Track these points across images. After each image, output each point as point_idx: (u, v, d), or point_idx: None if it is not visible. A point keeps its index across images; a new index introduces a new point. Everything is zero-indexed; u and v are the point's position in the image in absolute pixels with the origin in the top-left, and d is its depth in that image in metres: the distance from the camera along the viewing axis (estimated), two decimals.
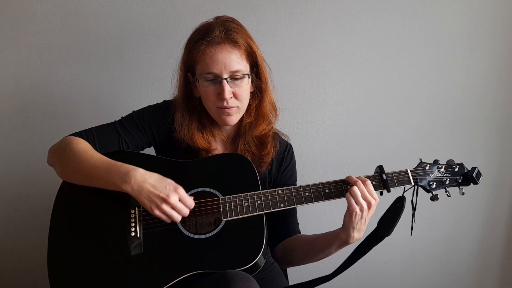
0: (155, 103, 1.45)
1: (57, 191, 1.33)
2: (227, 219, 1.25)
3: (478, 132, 1.93)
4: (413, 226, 1.34)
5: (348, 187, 1.26)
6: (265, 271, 1.39)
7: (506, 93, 1.88)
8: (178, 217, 1.21)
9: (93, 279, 1.22)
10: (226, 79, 1.28)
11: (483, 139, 1.94)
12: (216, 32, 1.29)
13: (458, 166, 1.30)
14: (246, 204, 1.26)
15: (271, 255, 1.48)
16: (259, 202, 1.26)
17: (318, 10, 1.76)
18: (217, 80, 1.29)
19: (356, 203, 1.23)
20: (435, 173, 1.30)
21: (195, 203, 1.26)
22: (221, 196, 1.27)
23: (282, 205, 1.27)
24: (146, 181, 1.20)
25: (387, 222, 1.29)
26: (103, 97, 1.80)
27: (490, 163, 1.95)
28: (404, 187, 1.30)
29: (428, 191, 1.29)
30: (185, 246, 1.23)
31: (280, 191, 1.28)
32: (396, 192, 1.29)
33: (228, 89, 1.28)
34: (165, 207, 1.19)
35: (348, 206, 1.24)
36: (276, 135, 1.48)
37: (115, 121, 1.41)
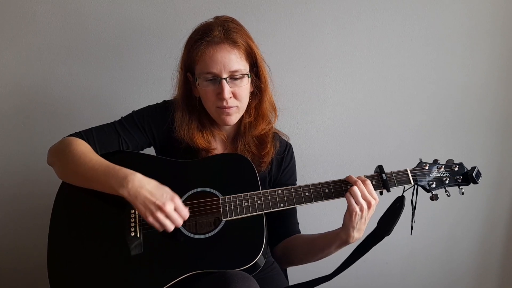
0: (155, 103, 1.45)
1: (57, 191, 1.33)
2: (227, 219, 1.25)
3: (478, 132, 1.93)
4: (413, 225, 1.34)
5: (348, 187, 1.26)
6: (265, 271, 1.39)
7: (506, 93, 1.88)
8: (170, 227, 1.19)
9: (93, 279, 1.22)
10: (225, 79, 1.28)
11: (483, 139, 1.94)
12: (216, 32, 1.29)
13: (457, 166, 1.30)
14: (246, 204, 1.26)
15: (271, 255, 1.48)
16: (259, 202, 1.26)
17: (318, 10, 1.76)
18: (217, 80, 1.29)
19: (356, 203, 1.23)
20: (434, 173, 1.30)
21: (195, 203, 1.26)
22: (221, 196, 1.27)
23: (282, 205, 1.27)
24: (144, 187, 1.19)
25: (387, 222, 1.29)
26: (103, 97, 1.80)
27: (490, 163, 1.95)
28: (404, 187, 1.30)
29: (428, 190, 1.29)
30: (185, 246, 1.23)
31: (280, 191, 1.28)
32: (396, 191, 1.29)
33: (227, 89, 1.28)
34: (160, 215, 1.17)
35: (348, 206, 1.24)
36: (276, 135, 1.48)
37: (115, 121, 1.41)
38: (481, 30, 1.81)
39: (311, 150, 1.90)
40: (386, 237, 1.29)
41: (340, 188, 1.28)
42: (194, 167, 1.33)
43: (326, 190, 1.28)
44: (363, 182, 1.25)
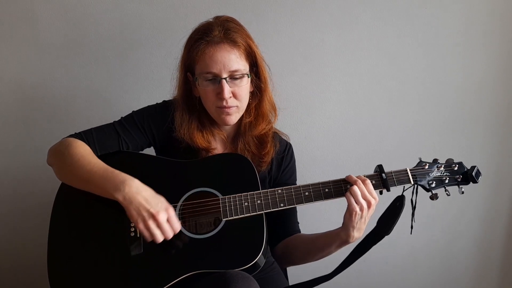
0: (155, 103, 1.45)
1: (57, 190, 1.34)
2: (227, 219, 1.25)
3: (477, 131, 1.93)
4: (412, 225, 1.34)
5: (348, 186, 1.26)
6: (265, 271, 1.39)
7: (505, 92, 1.88)
8: (160, 238, 1.17)
9: (93, 279, 1.22)
10: (225, 78, 1.28)
11: (482, 138, 1.94)
12: (216, 31, 1.29)
13: (457, 165, 1.30)
14: (246, 203, 1.26)
15: (271, 254, 1.48)
16: (259, 201, 1.26)
17: (318, 10, 1.76)
18: (217, 79, 1.29)
19: (356, 203, 1.23)
20: (434, 172, 1.30)
21: (195, 203, 1.26)
22: (221, 196, 1.27)
23: (282, 205, 1.27)
24: (140, 193, 1.18)
25: (386, 221, 1.29)
26: (103, 97, 1.80)
27: (489, 162, 1.95)
28: (404, 186, 1.30)
29: (427, 190, 1.29)
30: (185, 246, 1.23)
31: (280, 191, 1.28)
32: (395, 191, 1.29)
33: (227, 89, 1.28)
34: (151, 223, 1.16)
35: (348, 205, 1.24)
36: (276, 135, 1.49)
37: (114, 121, 1.41)
38: (481, 30, 1.81)
39: (311, 150, 1.90)
40: (386, 237, 1.29)
41: (340, 187, 1.28)
42: (194, 167, 1.33)
43: (326, 190, 1.28)
44: (363, 181, 1.25)
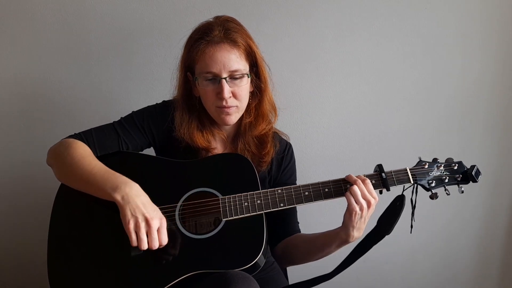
0: (154, 103, 1.45)
1: (57, 190, 1.34)
2: (227, 219, 1.25)
3: (477, 131, 1.93)
4: (412, 224, 1.34)
5: (348, 186, 1.26)
6: (265, 271, 1.39)
7: (504, 92, 1.88)
8: (144, 245, 1.16)
9: (93, 279, 1.22)
10: (225, 78, 1.28)
11: (481, 138, 1.93)
12: (216, 31, 1.29)
13: (457, 165, 1.30)
14: (246, 204, 1.26)
15: (271, 254, 1.48)
16: (258, 201, 1.26)
17: (318, 10, 1.76)
18: (216, 79, 1.29)
19: (356, 202, 1.23)
20: (434, 172, 1.30)
21: (195, 203, 1.26)
22: (220, 196, 1.27)
23: (281, 205, 1.27)
24: (139, 197, 1.19)
25: (387, 221, 1.29)
26: (103, 97, 1.80)
27: (489, 161, 1.95)
28: (404, 186, 1.30)
29: (427, 189, 1.29)
30: (185, 246, 1.23)
31: (279, 191, 1.28)
32: (395, 191, 1.29)
33: (227, 89, 1.28)
34: (143, 226, 1.15)
35: (348, 205, 1.24)
36: (276, 135, 1.49)
37: (114, 121, 1.41)
38: (480, 30, 1.81)
39: (311, 150, 1.90)
40: (386, 236, 1.29)
41: (340, 187, 1.28)
42: (194, 167, 1.33)
43: (326, 190, 1.28)
44: (363, 181, 1.25)
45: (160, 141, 1.42)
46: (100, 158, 1.30)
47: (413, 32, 1.80)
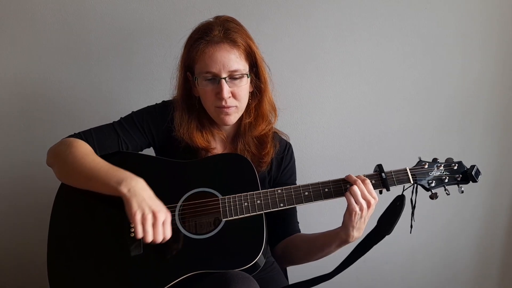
0: (154, 103, 1.45)
1: (57, 190, 1.33)
2: (226, 219, 1.25)
3: (476, 131, 1.93)
4: (412, 224, 1.34)
5: (348, 186, 1.26)
6: (265, 271, 1.39)
7: (504, 92, 1.88)
8: (150, 237, 1.15)
9: (93, 279, 1.22)
10: (224, 78, 1.28)
11: (481, 138, 1.94)
12: (215, 31, 1.29)
13: (457, 165, 1.30)
14: (246, 204, 1.26)
15: (271, 254, 1.48)
16: (258, 202, 1.26)
17: (318, 10, 1.76)
18: (216, 79, 1.29)
19: (355, 203, 1.23)
20: (434, 172, 1.30)
21: (195, 204, 1.26)
22: (220, 196, 1.27)
23: (281, 205, 1.27)
24: (146, 190, 1.19)
25: (387, 221, 1.29)
26: (103, 97, 1.80)
27: (489, 161, 1.95)
28: (404, 186, 1.30)
29: (427, 189, 1.29)
30: (185, 246, 1.23)
31: (279, 191, 1.28)
32: (395, 191, 1.29)
33: (226, 89, 1.28)
34: (149, 218, 1.15)
35: (347, 205, 1.24)
36: (276, 135, 1.48)
37: (114, 121, 1.41)
38: (480, 30, 1.81)
39: (311, 150, 1.90)
40: (386, 236, 1.29)
41: (339, 187, 1.28)
42: (193, 167, 1.33)
43: (326, 190, 1.28)
44: (363, 181, 1.25)
45: (160, 141, 1.42)
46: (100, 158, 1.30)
47: (413, 32, 1.79)
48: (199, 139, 1.38)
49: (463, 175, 1.29)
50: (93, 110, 1.80)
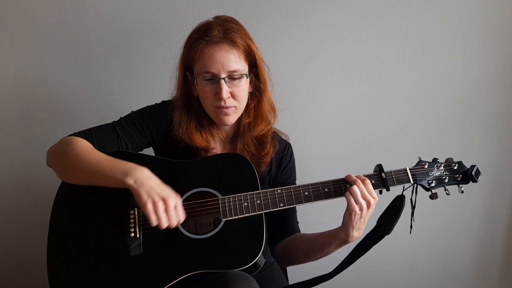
0: (154, 103, 1.45)
1: (57, 190, 1.33)
2: (226, 219, 1.25)
3: (476, 131, 1.93)
4: (412, 224, 1.34)
5: (348, 186, 1.26)
6: (265, 271, 1.39)
7: (504, 92, 1.88)
8: (165, 223, 1.16)
9: (93, 279, 1.22)
10: (224, 78, 1.28)
11: (481, 138, 1.93)
12: (215, 31, 1.28)
13: (457, 165, 1.30)
14: (246, 204, 1.26)
15: (271, 254, 1.48)
16: (258, 201, 1.26)
17: (318, 9, 1.76)
18: (215, 79, 1.29)
19: (355, 203, 1.23)
20: (434, 172, 1.30)
21: (195, 204, 1.26)
22: (220, 196, 1.27)
23: (281, 205, 1.27)
24: (151, 179, 1.19)
25: (387, 221, 1.29)
26: (102, 97, 1.80)
27: (489, 161, 1.95)
28: (404, 186, 1.30)
29: (427, 189, 1.29)
30: (184, 246, 1.23)
31: (279, 191, 1.28)
32: (395, 191, 1.29)
33: (225, 89, 1.28)
34: (161, 206, 1.16)
35: (347, 205, 1.24)
36: (276, 135, 1.48)
37: (113, 121, 1.41)
38: (480, 30, 1.80)
39: (311, 150, 1.90)
40: (386, 236, 1.29)
41: (339, 187, 1.28)
42: (193, 167, 1.33)
43: (326, 190, 1.28)
44: (363, 181, 1.25)
45: (160, 141, 1.42)
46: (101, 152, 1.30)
47: (413, 32, 1.79)
48: (198, 139, 1.38)
49: (463, 175, 1.29)
50: (93, 110, 1.80)
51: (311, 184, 1.28)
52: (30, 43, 1.75)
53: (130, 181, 1.18)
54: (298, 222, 1.51)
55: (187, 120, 1.38)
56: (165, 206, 1.16)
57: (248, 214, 1.25)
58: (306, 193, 1.28)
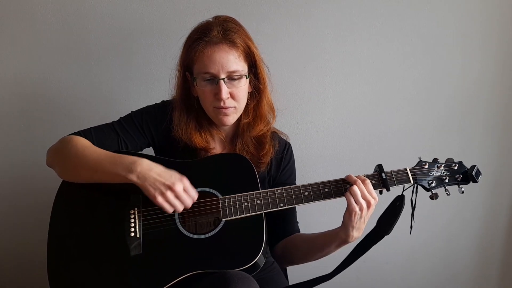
0: (153, 103, 1.45)
1: (57, 190, 1.33)
2: (226, 219, 1.25)
3: (477, 131, 1.93)
4: (412, 225, 1.34)
5: (348, 186, 1.26)
6: (265, 271, 1.39)
7: (504, 92, 1.88)
8: (180, 207, 1.20)
9: (93, 279, 1.22)
10: (223, 79, 1.28)
11: (481, 138, 1.93)
12: (214, 32, 1.28)
13: (457, 165, 1.30)
14: (246, 204, 1.26)
15: (271, 254, 1.48)
16: (258, 201, 1.26)
17: (318, 9, 1.76)
18: (215, 80, 1.29)
19: (355, 203, 1.22)
20: (434, 172, 1.30)
21: (195, 204, 1.26)
22: (220, 196, 1.27)
23: (281, 205, 1.27)
24: (152, 169, 1.20)
25: (386, 221, 1.29)
26: (102, 97, 1.80)
27: (489, 161, 1.95)
28: (404, 186, 1.30)
29: (427, 189, 1.29)
30: (184, 246, 1.23)
31: (279, 191, 1.28)
32: (395, 191, 1.29)
33: (225, 90, 1.28)
34: (170, 195, 1.18)
35: (347, 205, 1.24)
36: (275, 135, 1.48)
37: (113, 121, 1.41)
38: (480, 30, 1.80)
39: (311, 150, 1.90)
40: (386, 236, 1.29)
41: (339, 187, 1.28)
42: (193, 167, 1.33)
43: (326, 190, 1.28)
44: (363, 181, 1.24)
45: (159, 141, 1.42)
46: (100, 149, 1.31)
47: (413, 32, 1.79)
48: (198, 139, 1.38)
49: (464, 175, 1.29)
50: (93, 110, 1.80)
51: (311, 184, 1.28)
52: (30, 43, 1.75)
53: (134, 177, 1.19)
54: (298, 222, 1.51)
55: (186, 120, 1.38)
56: (174, 193, 1.18)
57: (248, 214, 1.25)
58: (306, 193, 1.28)
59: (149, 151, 1.47)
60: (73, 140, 1.31)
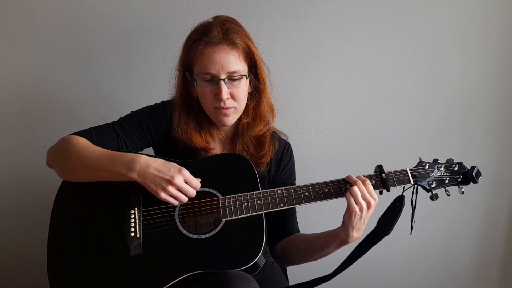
0: (153, 103, 1.45)
1: (57, 190, 1.33)
2: (226, 219, 1.25)
3: (477, 131, 1.93)
4: (412, 225, 1.34)
5: (348, 186, 1.26)
6: (265, 271, 1.39)
7: (504, 92, 1.88)
8: (184, 198, 1.22)
9: (93, 279, 1.22)
10: (223, 79, 1.27)
11: (482, 138, 1.93)
12: (215, 32, 1.28)
13: (457, 165, 1.29)
14: (246, 204, 1.26)
15: (270, 254, 1.48)
16: (258, 202, 1.26)
17: (318, 9, 1.76)
18: (215, 80, 1.29)
19: (355, 203, 1.22)
20: (434, 172, 1.30)
21: (195, 204, 1.26)
22: (220, 196, 1.27)
23: (281, 205, 1.27)
24: (151, 166, 1.21)
25: (386, 222, 1.29)
26: (102, 97, 1.80)
27: (489, 162, 1.95)
28: (404, 187, 1.30)
29: (427, 190, 1.29)
30: (184, 246, 1.23)
31: (279, 191, 1.28)
32: (395, 191, 1.29)
33: (225, 90, 1.28)
34: (171, 189, 1.19)
35: (347, 205, 1.24)
36: (275, 135, 1.48)
37: (113, 121, 1.41)
38: (480, 30, 1.80)
39: (311, 150, 1.90)
40: (386, 237, 1.29)
41: (340, 188, 1.28)
42: (193, 168, 1.32)
43: (326, 190, 1.28)
44: (363, 182, 1.24)
45: (159, 141, 1.42)
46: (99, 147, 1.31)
47: (413, 32, 1.79)
48: (198, 140, 1.38)
49: (464, 176, 1.29)
50: (93, 110, 1.80)
51: (311, 185, 1.28)
52: (30, 43, 1.75)
53: (134, 175, 1.21)
54: (298, 222, 1.51)
55: (186, 120, 1.38)
56: (175, 186, 1.20)
57: (248, 214, 1.25)
58: (306, 194, 1.28)
59: (149, 151, 1.47)
60: (73, 140, 1.31)
